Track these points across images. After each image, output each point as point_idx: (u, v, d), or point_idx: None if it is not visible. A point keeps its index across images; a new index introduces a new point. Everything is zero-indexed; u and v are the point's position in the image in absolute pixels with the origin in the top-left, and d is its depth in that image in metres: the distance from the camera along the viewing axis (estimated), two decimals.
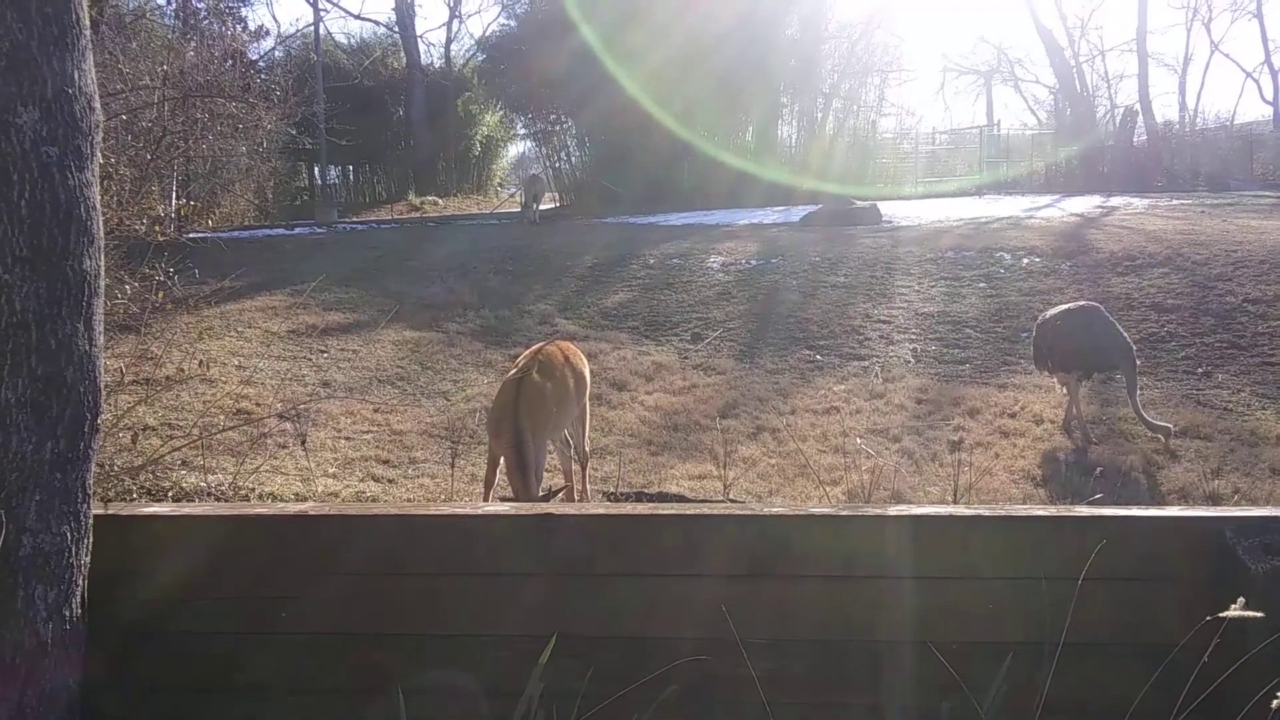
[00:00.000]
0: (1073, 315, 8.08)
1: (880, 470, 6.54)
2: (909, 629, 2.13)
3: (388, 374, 9.45)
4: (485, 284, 12.75)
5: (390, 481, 6.75)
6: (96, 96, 2.28)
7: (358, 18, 35.35)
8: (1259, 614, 1.73)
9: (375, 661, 2.20)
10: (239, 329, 10.53)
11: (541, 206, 23.31)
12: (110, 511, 2.39)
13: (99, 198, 2.27)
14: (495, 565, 2.18)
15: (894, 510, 2.17)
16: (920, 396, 8.69)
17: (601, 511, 2.30)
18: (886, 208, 19.36)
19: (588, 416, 6.37)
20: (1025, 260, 12.65)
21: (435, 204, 28.21)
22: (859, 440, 7.39)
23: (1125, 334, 8.01)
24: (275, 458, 6.97)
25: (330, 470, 6.87)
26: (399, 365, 9.69)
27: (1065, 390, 7.94)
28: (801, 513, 2.31)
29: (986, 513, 2.14)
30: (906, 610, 2.14)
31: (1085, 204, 19.98)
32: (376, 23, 33.09)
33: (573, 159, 29.30)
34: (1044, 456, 7.14)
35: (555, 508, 2.55)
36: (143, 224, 5.20)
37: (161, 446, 5.72)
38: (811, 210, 18.91)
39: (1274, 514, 2.09)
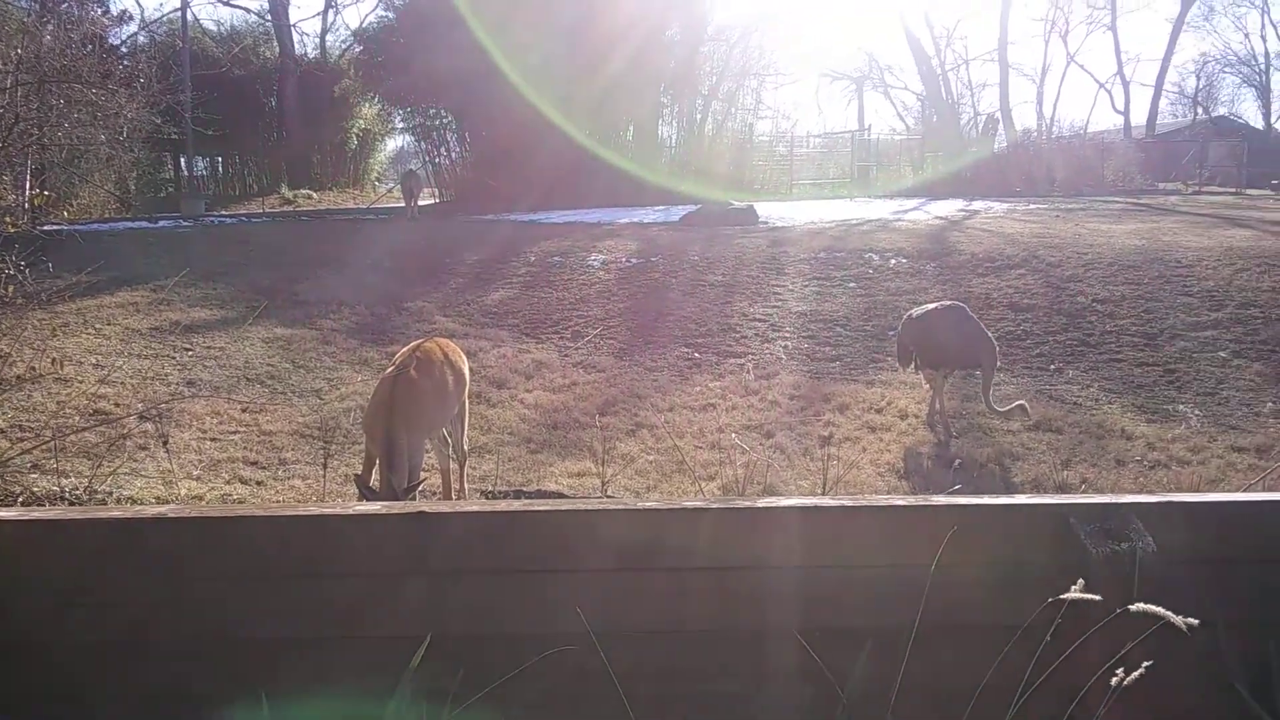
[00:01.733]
0: (941, 315, 8.38)
1: (754, 465, 6.71)
2: (781, 618, 2.20)
3: (257, 372, 9.17)
4: (361, 280, 12.49)
5: (259, 483, 6.57)
6: None
7: (227, 3, 33.91)
8: (1096, 597, 1.85)
9: (242, 667, 2.16)
10: (97, 326, 10.05)
11: (421, 203, 22.96)
12: None
13: None
14: (368, 566, 2.17)
15: (763, 503, 2.24)
16: (793, 393, 8.93)
17: (476, 509, 2.30)
18: (763, 208, 19.77)
19: (466, 415, 6.33)
20: (893, 261, 13.13)
21: (309, 198, 27.46)
22: (734, 436, 7.56)
23: (989, 332, 8.39)
24: (135, 460, 6.70)
25: (195, 473, 6.64)
26: (269, 363, 9.41)
27: (930, 386, 8.29)
28: (675, 506, 2.37)
29: (850, 503, 2.24)
30: (778, 599, 2.21)
31: (949, 207, 20.85)
32: (247, 10, 31.92)
33: (453, 154, 28.96)
34: (908, 450, 7.45)
35: (429, 505, 2.54)
36: None
37: (10, 449, 5.42)
38: (691, 210, 19.17)
39: (1114, 501, 2.24)
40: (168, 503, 5.69)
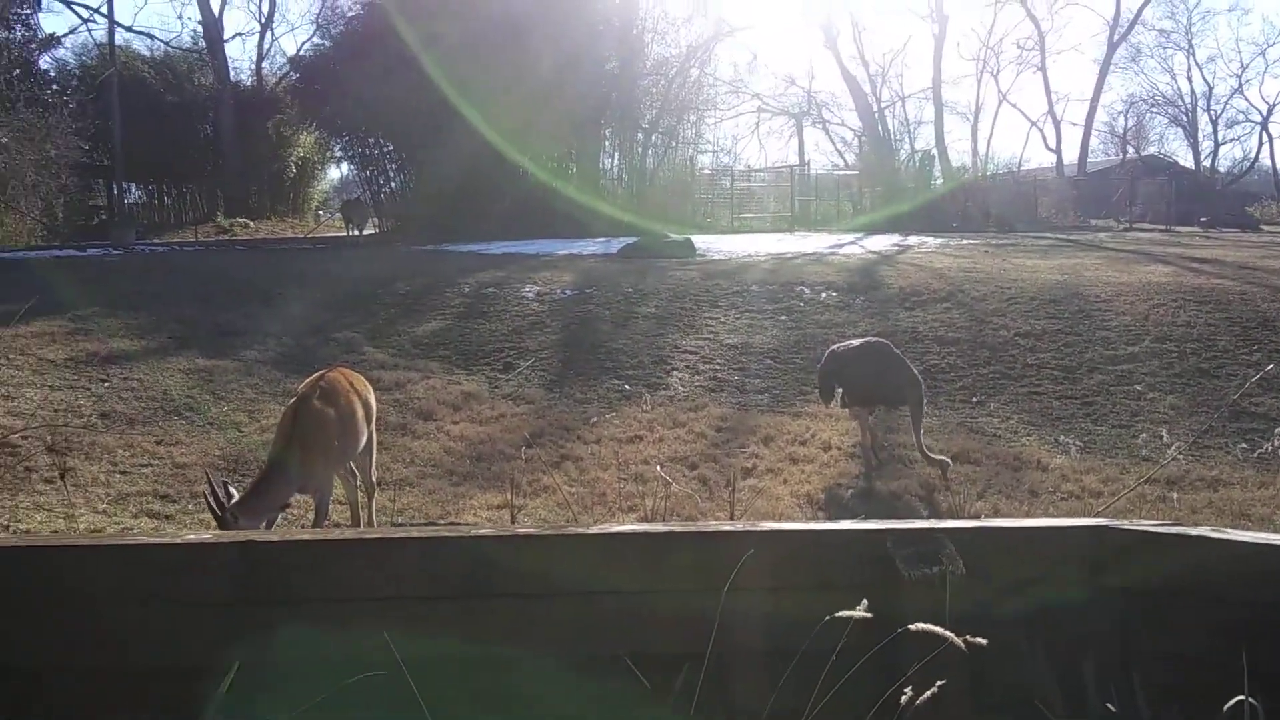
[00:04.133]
0: (863, 351, 8.29)
1: (675, 496, 6.71)
2: (607, 642, 2.19)
3: (175, 404, 8.97)
4: (289, 310, 12.32)
5: (168, 518, 6.41)
6: None
7: (129, 29, 33.21)
8: (868, 614, 1.90)
9: (54, 695, 2.10)
10: (9, 355, 9.76)
11: (365, 232, 22.84)
12: None
13: None
14: (184, 593, 2.12)
15: (595, 529, 2.25)
16: (720, 424, 8.97)
17: (306, 537, 2.27)
18: (702, 241, 19.96)
19: (374, 446, 6.25)
20: (824, 294, 13.30)
21: (246, 226, 27.11)
22: (658, 468, 7.55)
23: (914, 369, 8.40)
24: (38, 493, 6.50)
25: (100, 506, 6.46)
26: (189, 395, 9.21)
27: (856, 421, 8.29)
28: (507, 533, 2.37)
29: (679, 529, 2.26)
30: (606, 623, 2.21)
31: (884, 242, 21.23)
32: (171, 45, 31.36)
33: (394, 184, 28.83)
34: (829, 482, 7.50)
35: (259, 535, 2.50)
36: None
37: None
38: (629, 243, 19.28)
39: (929, 526, 2.30)
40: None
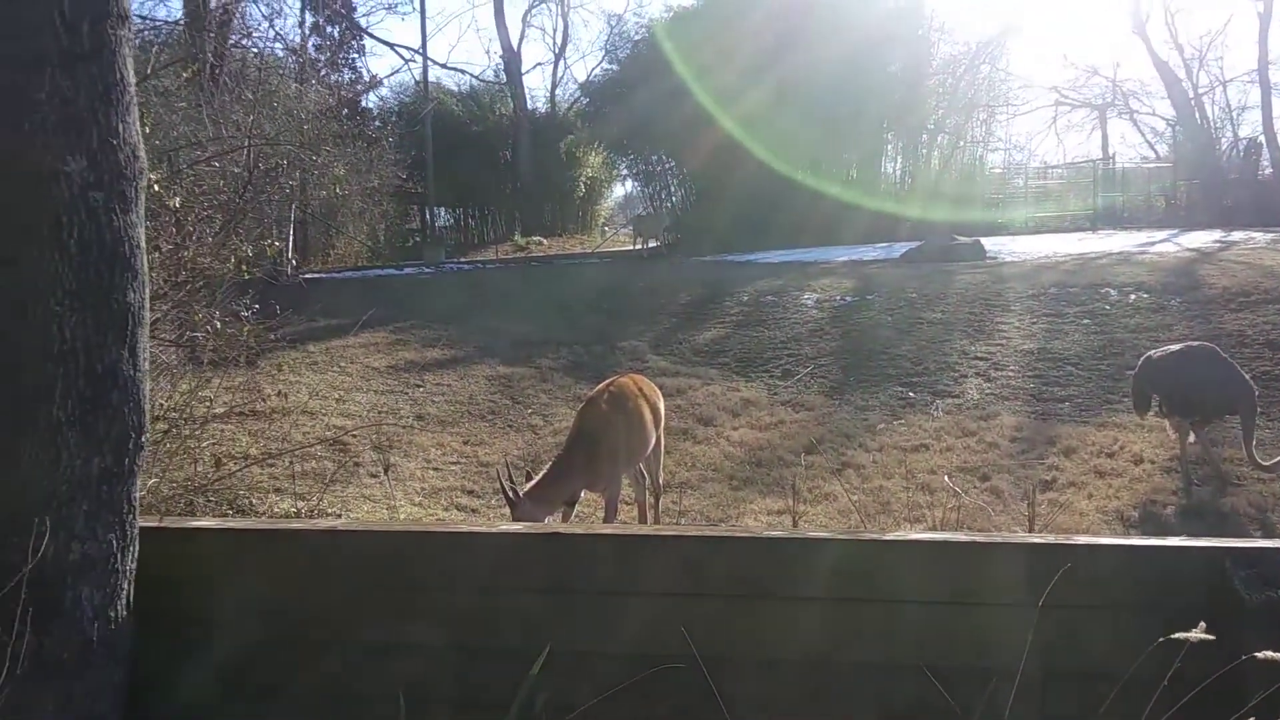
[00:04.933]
0: (1188, 356, 7.54)
1: (965, 509, 6.36)
2: (908, 651, 2.08)
3: (480, 408, 9.67)
4: (580, 321, 12.95)
5: (473, 511, 6.89)
6: (141, 146, 2.48)
7: (443, 66, 36.21)
8: (1209, 637, 1.66)
9: (400, 673, 2.28)
10: (341, 364, 10.93)
11: (651, 244, 23.71)
12: (164, 524, 2.54)
13: (144, 237, 2.45)
14: (509, 580, 2.23)
15: (891, 535, 2.14)
16: (1015, 434, 8.43)
17: (608, 531, 2.33)
18: (992, 243, 18.92)
19: (662, 450, 6.38)
20: (1133, 296, 12.18)
21: (540, 244, 28.80)
22: (946, 478, 7.21)
23: (1246, 375, 7.54)
24: (365, 486, 7.20)
25: (416, 499, 7.06)
26: (491, 399, 9.90)
27: (1175, 434, 7.50)
28: (799, 536, 2.29)
29: (983, 539, 2.09)
30: (906, 632, 2.10)
31: (1203, 239, 19.12)
32: (478, 78, 34.01)
33: (674, 198, 29.58)
34: (1140, 498, 6.83)
35: (566, 528, 2.59)
36: (230, 265, 5.52)
37: (237, 469, 5.99)
38: (913, 246, 18.62)
39: (1272, 545, 1.99)
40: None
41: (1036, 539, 2.14)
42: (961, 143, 29.82)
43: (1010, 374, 10.11)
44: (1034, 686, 1.93)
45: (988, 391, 9.69)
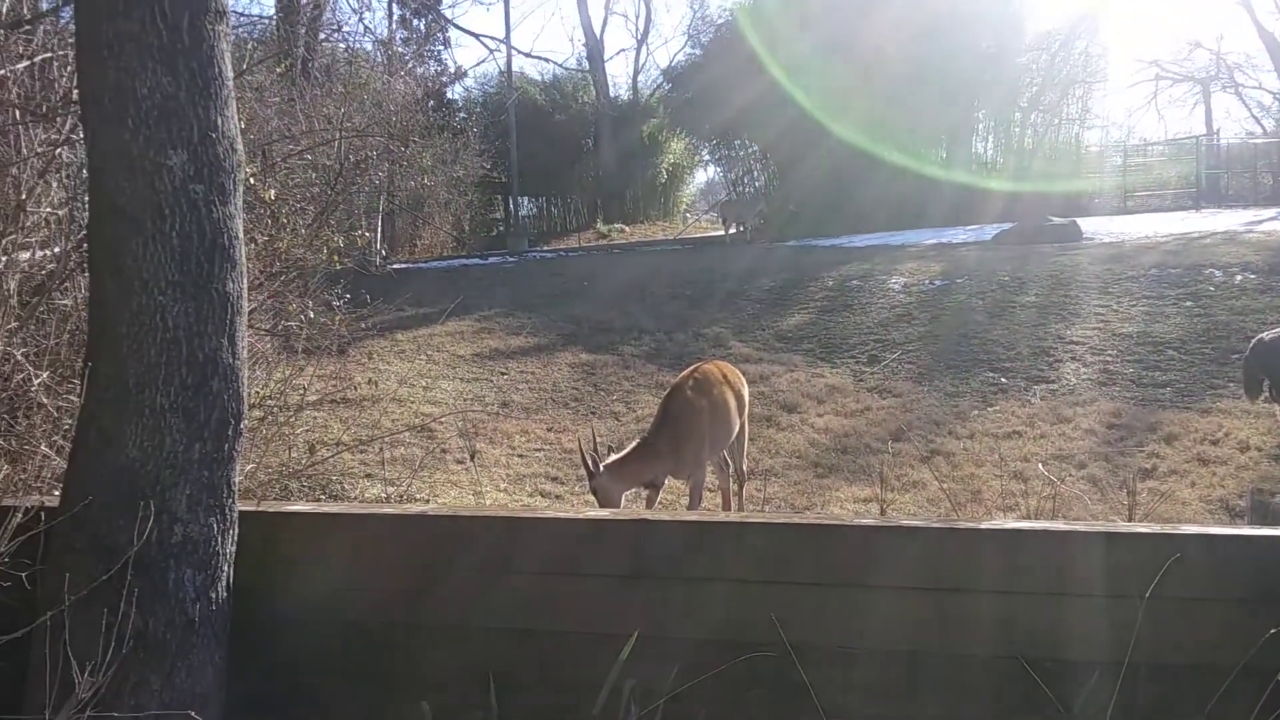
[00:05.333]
0: None
1: (1060, 497, 6.17)
2: (1006, 642, 2.02)
3: (563, 395, 9.74)
4: (661, 308, 12.94)
5: (557, 497, 6.95)
6: (239, 139, 2.54)
7: (527, 55, 36.44)
8: None
9: (480, 654, 2.31)
10: (429, 352, 11.13)
11: (734, 230, 23.61)
12: (261, 508, 2.61)
13: (242, 228, 2.52)
14: (595, 565, 2.24)
15: (988, 525, 2.07)
16: (1112, 421, 8.16)
17: (693, 518, 2.31)
18: (1088, 224, 18.33)
19: (746, 437, 6.34)
20: (1239, 277, 11.66)
21: (621, 231, 28.87)
22: (1040, 466, 7.02)
23: None
24: (451, 472, 7.32)
25: (502, 485, 7.15)
26: (574, 386, 9.97)
27: None
28: (892, 524, 2.24)
29: (1084, 528, 2.01)
30: (1003, 622, 2.04)
31: None
32: (562, 66, 34.17)
33: (757, 183, 29.31)
34: (1247, 486, 6.55)
35: (652, 514, 2.58)
36: (322, 255, 5.65)
37: (330, 455, 6.13)
38: (1005, 228, 18.15)
39: None
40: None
41: (1142, 528, 2.05)
42: (1056, 120, 28.87)
43: (1108, 358, 9.78)
44: (1139, 679, 1.86)
45: (1084, 377, 9.40)
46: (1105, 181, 29.07)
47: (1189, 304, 11.02)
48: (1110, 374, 9.39)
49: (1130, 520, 4.85)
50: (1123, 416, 8.29)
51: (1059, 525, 2.08)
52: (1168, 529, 1.97)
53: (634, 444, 5.54)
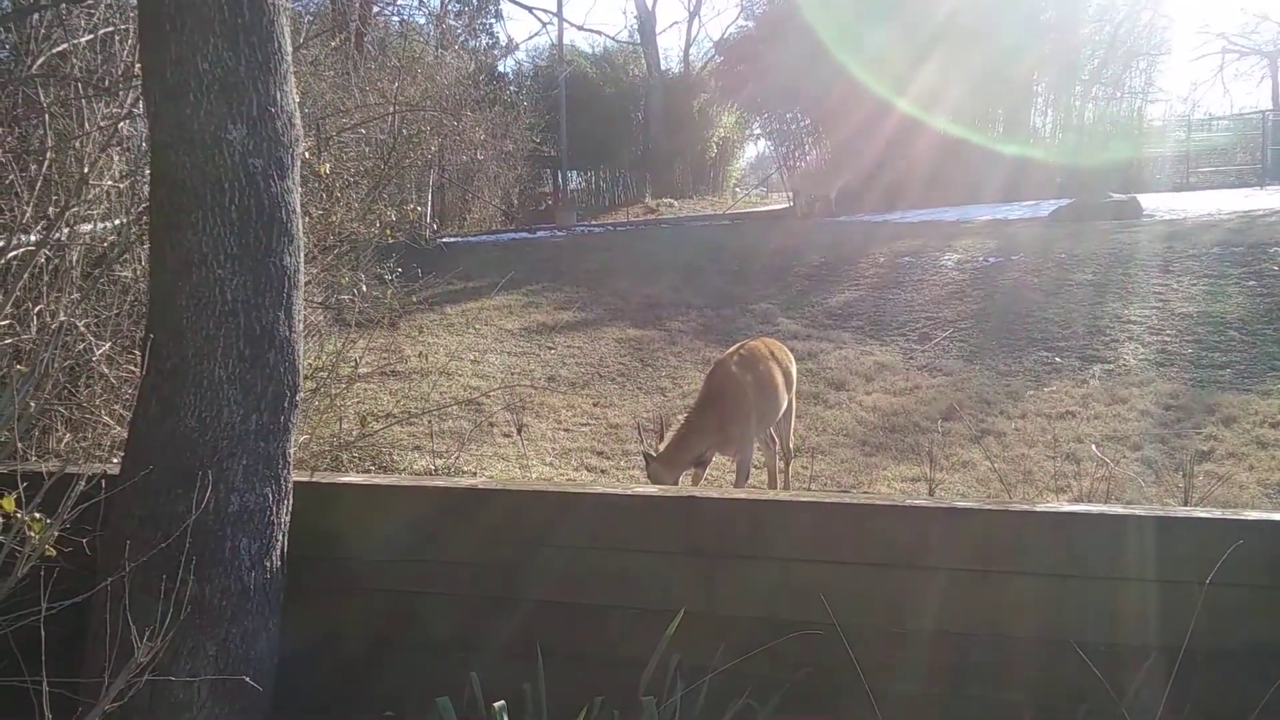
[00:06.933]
0: None
1: (1114, 479, 6.08)
2: (1065, 628, 2.00)
3: (609, 370, 9.77)
4: (709, 283, 12.89)
5: (602, 471, 6.99)
6: (297, 114, 2.56)
7: (580, 28, 36.43)
8: None
9: (527, 626, 2.34)
10: (477, 326, 11.21)
11: (807, 203, 23.44)
12: (314, 479, 2.66)
13: (299, 203, 2.55)
14: (643, 542, 2.25)
15: (1043, 508, 2.04)
16: (1169, 402, 7.99)
17: (741, 496, 2.31)
18: (1149, 200, 17.88)
19: (793, 414, 6.31)
20: None
21: (671, 205, 28.75)
22: (1094, 447, 6.91)
23: None
24: (499, 445, 7.39)
25: (548, 459, 7.20)
26: (620, 361, 9.99)
27: None
28: (943, 505, 2.21)
29: (1141, 512, 1.97)
30: (1064, 606, 2.01)
31: None
32: (614, 39, 34.05)
33: (809, 157, 28.99)
34: None
35: (701, 492, 2.58)
36: (374, 229, 5.70)
37: (380, 428, 6.22)
38: (1062, 204, 17.77)
39: None
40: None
41: (1201, 513, 2.01)
42: (1118, 94, 28.13)
43: (1166, 338, 9.57)
44: (1195, 666, 1.83)
45: (1141, 357, 9.20)
46: (1167, 157, 28.31)
47: (1252, 283, 10.73)
48: (1168, 354, 9.18)
49: (1186, 504, 4.76)
50: (1180, 398, 8.11)
51: (1116, 508, 2.04)
52: (1230, 514, 1.93)
53: (680, 428, 5.54)
